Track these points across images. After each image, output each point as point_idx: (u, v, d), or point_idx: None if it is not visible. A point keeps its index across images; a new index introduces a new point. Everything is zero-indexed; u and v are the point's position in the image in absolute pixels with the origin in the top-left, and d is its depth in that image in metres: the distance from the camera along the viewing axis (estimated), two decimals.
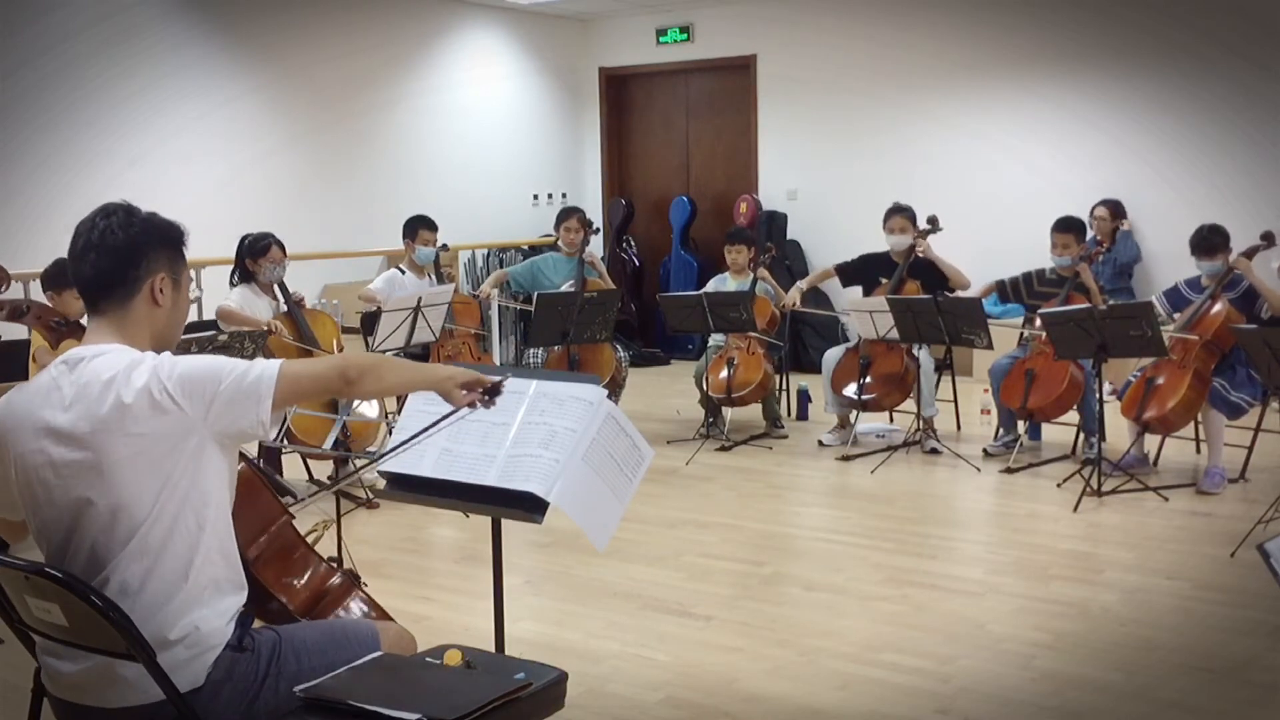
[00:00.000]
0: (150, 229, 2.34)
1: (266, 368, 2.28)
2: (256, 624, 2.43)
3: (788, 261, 10.17)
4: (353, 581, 3.07)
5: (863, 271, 7.31)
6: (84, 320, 2.63)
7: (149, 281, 2.33)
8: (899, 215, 7.16)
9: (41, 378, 2.31)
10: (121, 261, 2.31)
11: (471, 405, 2.47)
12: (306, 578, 2.88)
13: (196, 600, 2.26)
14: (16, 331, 5.56)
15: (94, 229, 2.31)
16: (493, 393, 2.48)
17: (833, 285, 9.86)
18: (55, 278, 5.04)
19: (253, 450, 5.11)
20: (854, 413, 7.01)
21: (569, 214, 7.73)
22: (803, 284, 7.53)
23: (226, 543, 2.34)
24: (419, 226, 6.94)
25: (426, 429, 2.54)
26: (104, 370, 2.23)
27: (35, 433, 2.25)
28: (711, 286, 7.53)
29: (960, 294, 6.78)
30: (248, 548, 2.68)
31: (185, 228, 2.43)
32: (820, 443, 7.08)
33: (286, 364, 2.30)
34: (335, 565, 3.08)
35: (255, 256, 6.13)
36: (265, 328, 5.70)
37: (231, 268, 6.26)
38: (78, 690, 2.30)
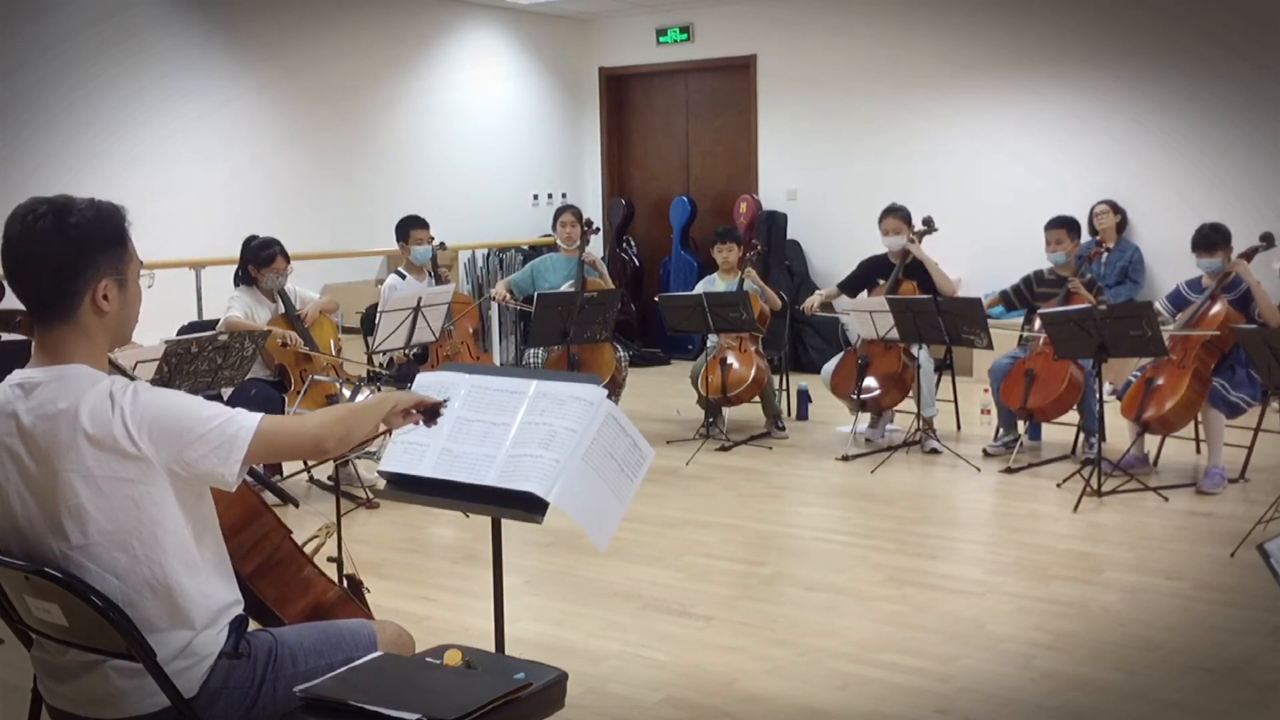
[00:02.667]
0: (84, 234, 2.16)
1: (245, 422, 2.20)
2: (251, 626, 2.42)
3: (788, 262, 10.17)
4: (349, 595, 3.05)
5: (864, 276, 7.31)
6: None
7: (89, 293, 2.18)
8: (892, 216, 7.17)
9: None
10: (56, 279, 2.16)
11: (415, 423, 2.52)
12: (305, 591, 2.86)
13: (183, 625, 2.24)
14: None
15: (23, 241, 2.15)
16: (430, 414, 2.51)
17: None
18: None
19: None
20: (856, 414, 7.02)
21: (563, 210, 7.75)
22: (815, 302, 7.33)
23: (193, 568, 2.26)
24: (410, 227, 6.92)
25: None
26: (60, 399, 2.14)
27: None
28: (701, 287, 7.53)
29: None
30: (243, 564, 2.67)
31: (125, 211, 2.24)
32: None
33: (266, 422, 2.22)
34: (334, 580, 3.06)
35: (259, 266, 6.13)
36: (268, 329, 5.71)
37: (236, 267, 6.28)
38: (72, 703, 2.29)
